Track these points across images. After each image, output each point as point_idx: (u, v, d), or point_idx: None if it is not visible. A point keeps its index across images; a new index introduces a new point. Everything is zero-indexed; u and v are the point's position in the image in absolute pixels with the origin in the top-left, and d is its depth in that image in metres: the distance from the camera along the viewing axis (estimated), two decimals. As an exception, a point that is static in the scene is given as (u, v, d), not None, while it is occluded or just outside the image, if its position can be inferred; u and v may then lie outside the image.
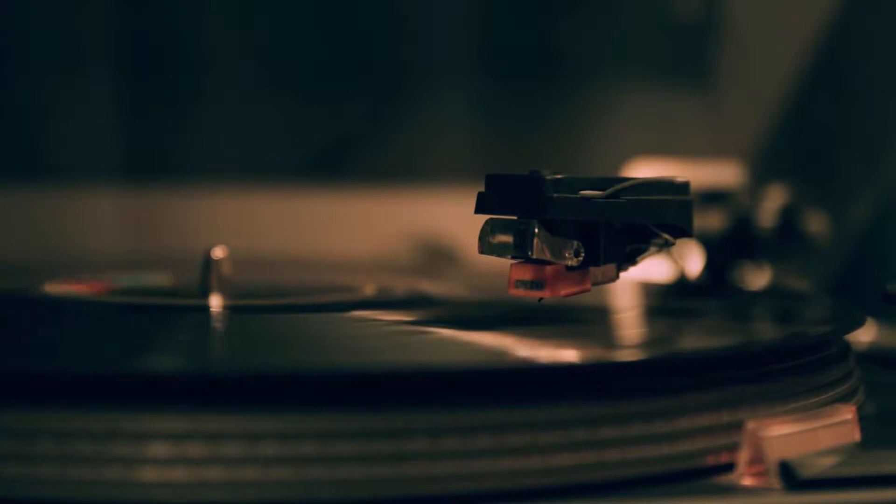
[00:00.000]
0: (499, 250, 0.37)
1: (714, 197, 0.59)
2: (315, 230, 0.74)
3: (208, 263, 0.45)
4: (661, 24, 0.78)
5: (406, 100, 0.76)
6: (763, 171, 0.66)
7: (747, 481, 0.32)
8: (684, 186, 0.39)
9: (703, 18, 0.77)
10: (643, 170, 0.62)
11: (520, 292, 0.38)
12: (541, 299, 0.37)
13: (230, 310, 0.43)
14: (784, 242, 0.58)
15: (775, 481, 0.32)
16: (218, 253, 0.45)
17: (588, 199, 0.37)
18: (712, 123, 0.76)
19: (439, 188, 0.75)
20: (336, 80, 0.76)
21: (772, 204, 0.58)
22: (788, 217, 0.58)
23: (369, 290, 0.49)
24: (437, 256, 0.71)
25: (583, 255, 0.38)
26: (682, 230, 0.40)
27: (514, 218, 0.37)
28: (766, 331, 0.44)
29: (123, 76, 0.73)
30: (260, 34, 0.76)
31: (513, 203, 0.37)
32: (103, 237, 0.72)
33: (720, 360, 0.35)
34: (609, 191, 0.37)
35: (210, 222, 0.73)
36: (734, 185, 0.60)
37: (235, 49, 0.75)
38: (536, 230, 0.37)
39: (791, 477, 0.32)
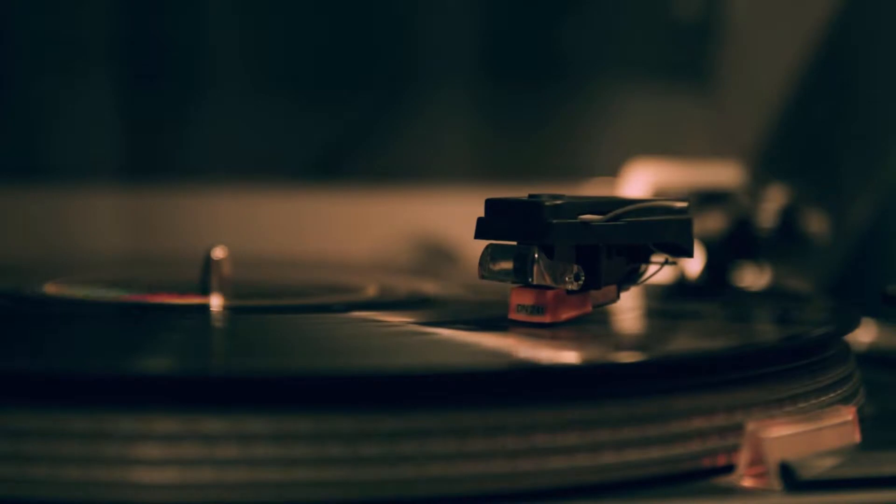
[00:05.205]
0: (499, 276, 0.38)
1: (714, 197, 0.59)
2: (315, 230, 0.74)
3: (208, 263, 0.45)
4: (661, 24, 0.78)
5: (406, 100, 0.76)
6: (763, 171, 0.66)
7: (747, 483, 0.32)
8: (683, 209, 0.39)
9: (702, 18, 0.77)
10: (643, 170, 0.62)
11: (521, 317, 0.38)
12: (542, 324, 0.38)
13: (230, 310, 0.43)
14: (784, 242, 0.58)
15: (775, 483, 0.32)
16: (218, 253, 0.45)
17: (588, 223, 0.37)
18: (712, 123, 0.76)
19: (439, 188, 0.75)
20: (336, 81, 0.76)
21: (772, 204, 0.58)
22: (788, 217, 0.58)
23: (369, 290, 0.49)
24: (437, 256, 0.71)
25: (583, 278, 0.38)
26: (683, 249, 0.40)
27: (514, 243, 0.37)
28: (766, 332, 0.44)
29: (123, 76, 0.73)
30: (260, 34, 0.76)
31: (513, 229, 0.37)
32: (103, 237, 0.72)
33: (720, 362, 0.35)
34: (609, 215, 0.37)
35: (210, 222, 0.72)
36: (734, 185, 0.60)
37: (235, 49, 0.75)
38: (536, 256, 0.37)
39: (791, 478, 0.32)
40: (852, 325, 0.41)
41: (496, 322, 0.39)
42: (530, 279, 0.37)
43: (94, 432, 0.29)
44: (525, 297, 0.38)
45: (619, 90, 0.77)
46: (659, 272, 0.40)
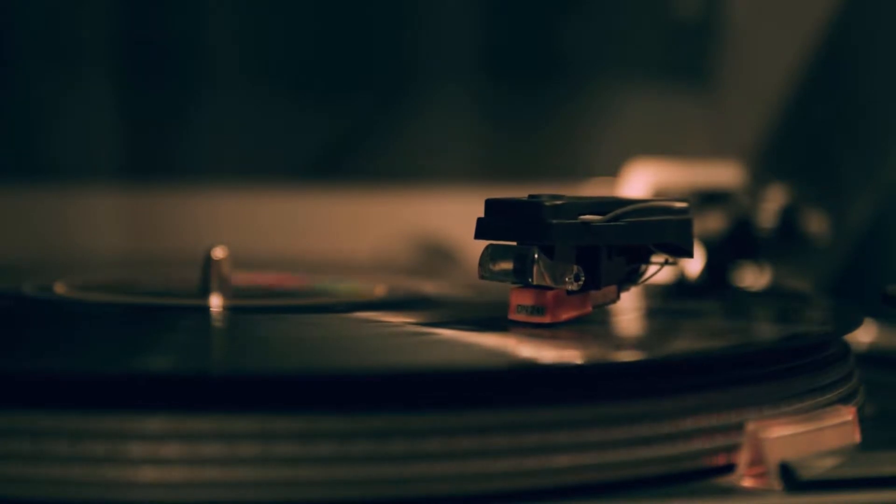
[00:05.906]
0: (499, 276, 0.38)
1: (714, 197, 0.59)
2: (315, 230, 0.74)
3: (208, 263, 0.45)
4: (661, 24, 0.78)
5: (407, 100, 0.76)
6: (763, 171, 0.66)
7: (748, 483, 0.32)
8: (683, 209, 0.39)
9: (702, 18, 0.77)
10: (643, 170, 0.62)
11: (521, 317, 0.38)
12: (542, 325, 0.38)
13: (230, 310, 0.43)
14: (784, 242, 0.58)
15: (775, 483, 0.32)
16: (218, 253, 0.45)
17: (588, 223, 0.37)
18: (712, 123, 0.76)
19: (439, 188, 0.75)
20: (337, 81, 0.76)
21: (772, 204, 0.58)
22: (788, 217, 0.58)
23: (369, 290, 0.49)
24: (437, 256, 0.71)
25: (583, 279, 0.38)
26: (683, 250, 0.40)
27: (514, 244, 0.37)
28: (765, 331, 0.44)
29: (123, 76, 0.73)
30: (260, 34, 0.76)
31: (513, 229, 0.37)
32: (103, 237, 0.72)
33: (720, 361, 0.35)
34: (609, 215, 0.37)
35: (210, 222, 0.73)
36: (734, 185, 0.60)
37: (235, 49, 0.75)
38: (536, 256, 0.37)
39: (791, 478, 0.32)
40: (855, 324, 0.41)
41: (496, 322, 0.39)
42: (530, 279, 0.37)
43: (95, 432, 0.29)
44: (525, 298, 0.38)
45: (619, 90, 0.77)
46: (659, 272, 0.40)
